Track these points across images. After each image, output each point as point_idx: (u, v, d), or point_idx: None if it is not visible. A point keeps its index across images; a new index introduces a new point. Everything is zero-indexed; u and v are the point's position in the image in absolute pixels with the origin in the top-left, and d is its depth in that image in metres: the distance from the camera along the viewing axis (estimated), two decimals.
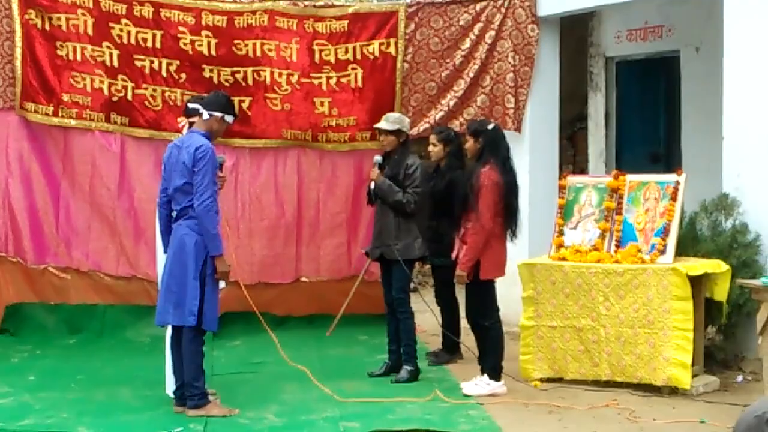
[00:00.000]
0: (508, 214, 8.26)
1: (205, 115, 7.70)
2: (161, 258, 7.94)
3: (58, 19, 10.15)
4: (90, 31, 10.23)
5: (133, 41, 10.34)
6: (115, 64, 10.32)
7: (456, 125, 10.45)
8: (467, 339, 9.51)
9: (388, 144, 9.01)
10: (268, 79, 10.67)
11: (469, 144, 8.42)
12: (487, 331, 8.40)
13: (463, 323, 9.62)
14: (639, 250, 8.53)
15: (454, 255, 8.47)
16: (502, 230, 8.28)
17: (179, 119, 8.34)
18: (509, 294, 9.15)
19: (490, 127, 8.46)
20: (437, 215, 9.07)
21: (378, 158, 9.04)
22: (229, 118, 7.82)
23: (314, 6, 10.88)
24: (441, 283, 9.60)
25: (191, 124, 7.88)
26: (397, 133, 8.96)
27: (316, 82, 10.80)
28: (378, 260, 9.14)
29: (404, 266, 8.79)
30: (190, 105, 7.99)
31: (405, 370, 8.82)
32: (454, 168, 9.20)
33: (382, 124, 9.02)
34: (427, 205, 9.04)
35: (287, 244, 10.84)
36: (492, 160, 8.23)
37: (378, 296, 9.59)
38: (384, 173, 8.93)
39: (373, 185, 9.00)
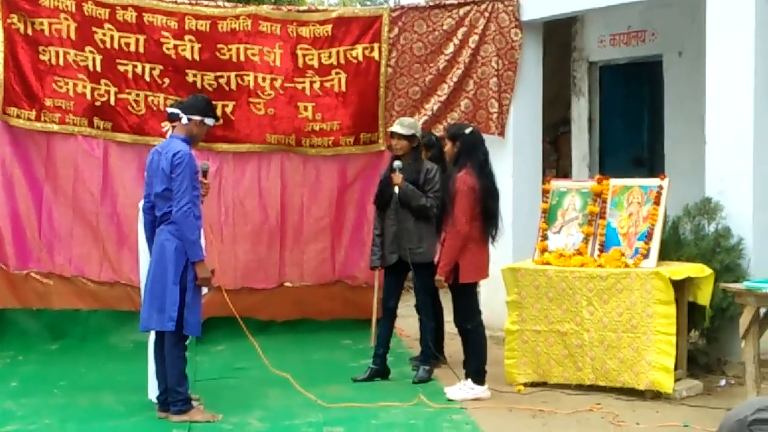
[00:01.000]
0: (486, 218, 8.27)
1: (184, 119, 7.68)
2: (144, 263, 7.92)
3: (41, 23, 10.11)
4: (73, 35, 10.20)
5: (116, 46, 10.31)
6: (98, 68, 10.28)
7: (440, 130, 10.44)
8: (452, 344, 9.52)
9: (401, 148, 9.00)
10: (251, 84, 10.65)
11: (448, 148, 8.44)
12: (468, 335, 8.42)
13: (447, 327, 9.63)
14: (622, 255, 8.54)
15: (435, 259, 8.48)
16: (481, 234, 8.29)
17: (163, 124, 8.33)
18: (493, 298, 9.16)
19: (467, 131, 8.45)
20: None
21: (398, 163, 8.97)
22: (209, 121, 7.81)
23: (297, 11, 10.90)
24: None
25: (174, 128, 7.86)
26: (411, 138, 8.97)
27: (299, 86, 10.78)
28: (391, 266, 9.09)
29: (424, 270, 8.78)
30: (170, 110, 7.97)
31: (425, 369, 8.94)
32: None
33: (397, 128, 9.03)
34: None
35: (271, 249, 10.81)
36: (468, 164, 8.24)
37: (362, 302, 9.60)
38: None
39: (397, 190, 8.92)
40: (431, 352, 9.02)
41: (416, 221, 8.91)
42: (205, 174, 7.96)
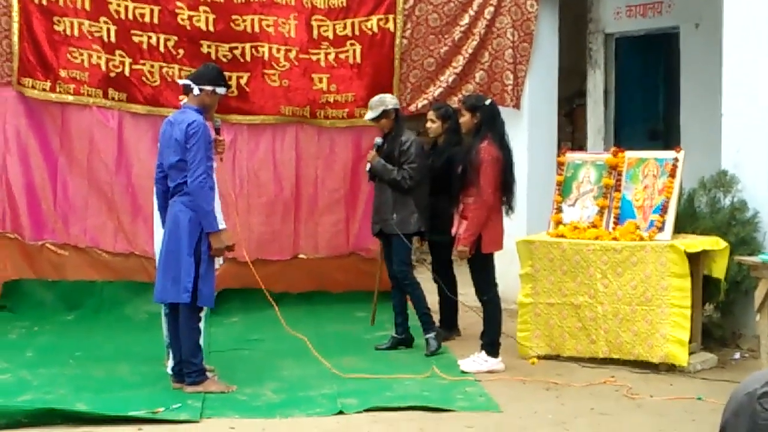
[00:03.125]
0: (506, 190, 8.28)
1: (196, 90, 7.67)
2: (158, 235, 7.93)
3: None
4: (87, 6, 10.19)
5: (130, 16, 10.29)
6: (113, 39, 10.27)
7: (454, 101, 10.41)
8: (465, 317, 9.52)
9: (384, 127, 9.11)
10: (266, 55, 10.62)
11: (466, 119, 8.42)
12: (485, 306, 8.43)
13: (461, 299, 9.64)
14: (637, 227, 8.52)
15: (453, 231, 8.47)
16: (501, 205, 8.31)
17: (181, 97, 8.28)
18: (507, 271, 9.15)
19: (487, 102, 8.49)
20: (435, 192, 9.07)
21: (378, 140, 9.13)
22: (220, 90, 7.78)
23: None
24: (439, 260, 9.60)
25: (187, 99, 7.85)
26: (384, 115, 8.98)
27: (314, 58, 10.76)
28: (378, 236, 9.16)
29: (403, 238, 8.85)
30: (182, 82, 7.95)
31: (431, 339, 8.87)
32: (453, 144, 9.20)
33: (369, 115, 9.17)
34: (426, 181, 9.04)
35: (285, 221, 10.81)
36: (489, 136, 8.25)
37: (376, 274, 9.61)
38: (384, 152, 8.95)
39: (368, 167, 9.05)
40: (429, 318, 8.99)
41: (392, 192, 8.97)
42: (218, 131, 7.98)
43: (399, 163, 8.91)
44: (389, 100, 9.15)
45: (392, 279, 9.15)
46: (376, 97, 9.27)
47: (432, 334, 8.90)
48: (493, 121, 8.35)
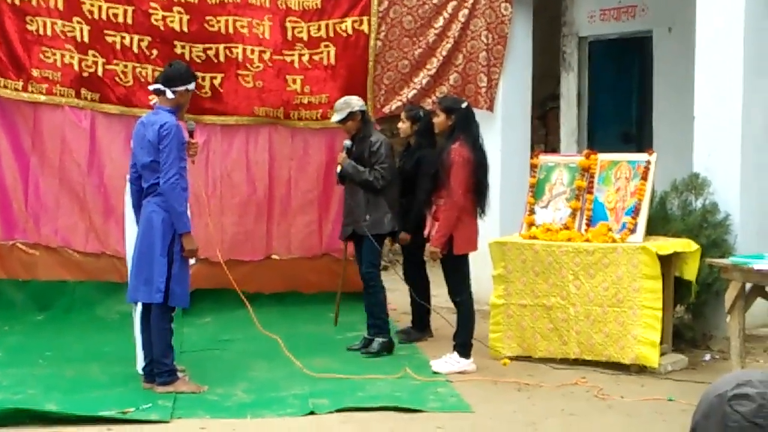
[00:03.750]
0: (478, 192, 8.30)
1: (169, 93, 7.65)
2: (130, 235, 7.90)
3: None
4: (60, 6, 10.14)
5: (104, 17, 10.24)
6: (86, 39, 10.22)
7: (428, 103, 10.42)
8: (437, 318, 9.53)
9: (350, 129, 9.08)
10: (240, 56, 10.60)
11: (440, 119, 8.43)
12: (458, 307, 8.44)
13: (433, 301, 9.65)
14: (609, 229, 8.55)
15: (426, 232, 8.51)
16: (473, 206, 8.33)
17: (151, 97, 8.25)
18: (480, 272, 9.15)
19: (463, 105, 8.51)
20: (406, 193, 9.07)
21: (347, 143, 9.09)
22: (192, 86, 7.80)
23: None
24: (411, 261, 9.60)
25: (159, 100, 7.82)
26: (350, 117, 8.96)
27: (288, 59, 10.74)
28: (350, 238, 9.15)
29: (372, 240, 8.83)
30: (153, 87, 7.91)
31: (377, 342, 8.85)
32: (422, 147, 9.23)
33: (335, 117, 9.13)
34: (396, 181, 9.04)
35: (258, 222, 10.79)
36: (462, 138, 8.27)
37: (349, 275, 9.59)
38: (353, 154, 8.94)
39: (339, 169, 9.02)
40: (383, 323, 8.98)
41: (364, 194, 8.94)
42: (191, 134, 7.96)
43: (370, 164, 8.89)
44: (355, 102, 9.13)
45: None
46: (342, 100, 9.24)
47: (381, 339, 8.89)
48: (467, 124, 8.37)
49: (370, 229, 8.87)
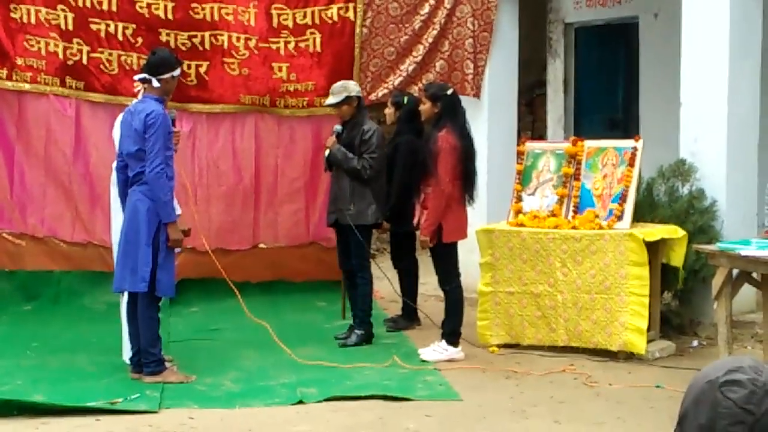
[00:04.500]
0: (466, 179, 8.28)
1: (155, 82, 7.62)
2: (117, 224, 7.87)
3: None
4: None
5: (88, 4, 10.17)
6: (70, 27, 10.16)
7: (414, 90, 10.39)
8: (425, 306, 9.53)
9: (344, 114, 8.98)
10: (225, 44, 10.55)
11: (426, 107, 8.41)
12: (447, 295, 8.43)
13: (421, 289, 9.65)
14: (596, 216, 8.55)
15: (415, 221, 8.49)
16: (461, 194, 8.32)
17: (135, 85, 8.20)
18: (467, 260, 9.15)
19: (449, 92, 8.49)
20: (389, 180, 9.05)
21: (338, 127, 9.02)
22: (177, 72, 7.78)
23: None
24: (399, 250, 9.59)
25: (145, 88, 7.79)
26: (346, 101, 8.90)
27: (274, 46, 10.69)
28: (333, 226, 9.11)
29: (357, 234, 8.75)
30: (139, 77, 7.87)
31: (355, 334, 8.85)
32: (403, 133, 9.22)
33: (330, 100, 9.02)
34: (384, 172, 9.00)
35: (245, 210, 10.75)
36: (449, 125, 8.25)
37: (336, 263, 9.55)
38: (342, 140, 8.89)
39: (327, 153, 8.96)
40: (365, 317, 8.93)
41: (351, 182, 8.86)
42: (173, 122, 7.92)
43: (359, 152, 8.82)
44: (352, 87, 9.08)
45: (344, 271, 9.14)
46: (339, 83, 9.19)
47: (360, 331, 8.86)
48: (453, 111, 8.35)
49: (354, 220, 8.79)
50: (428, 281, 9.55)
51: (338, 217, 8.92)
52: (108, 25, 10.25)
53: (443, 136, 8.18)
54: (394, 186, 8.99)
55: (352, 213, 8.79)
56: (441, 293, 8.70)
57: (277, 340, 8.38)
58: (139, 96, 7.91)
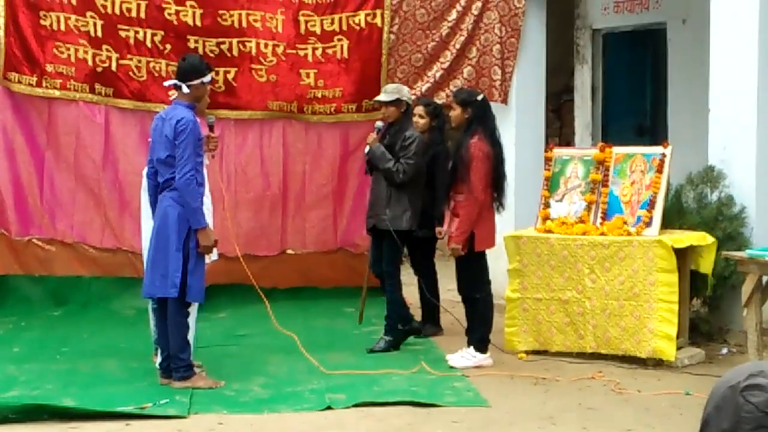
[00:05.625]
0: (497, 186, 8.27)
1: (185, 88, 7.65)
2: (146, 230, 7.91)
3: None
4: (74, 0, 10.14)
5: (117, 11, 10.24)
6: (99, 34, 10.23)
7: (442, 97, 10.41)
8: (452, 312, 9.51)
9: (390, 115, 8.96)
10: (253, 50, 10.60)
11: (456, 113, 8.38)
12: (477, 303, 8.40)
13: (447, 296, 9.63)
14: (625, 223, 8.53)
15: (444, 228, 8.45)
16: (492, 201, 8.29)
17: (170, 93, 8.22)
18: (495, 266, 9.14)
19: (479, 98, 8.46)
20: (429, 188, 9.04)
21: (379, 124, 9.01)
22: (207, 78, 7.80)
23: None
24: (422, 255, 9.57)
25: (177, 95, 7.83)
26: (396, 103, 8.91)
27: (301, 53, 10.73)
28: (371, 231, 9.11)
29: (395, 237, 8.75)
30: (169, 83, 7.92)
31: (383, 340, 8.83)
32: (437, 143, 9.20)
33: (381, 97, 9.02)
34: (422, 180, 8.94)
35: (273, 216, 10.79)
36: (480, 131, 8.23)
37: (364, 269, 9.54)
38: (383, 142, 8.89)
39: (367, 149, 8.97)
40: (394, 324, 8.92)
41: (387, 187, 8.85)
42: (212, 128, 7.98)
43: (397, 157, 8.83)
44: (406, 92, 9.11)
45: (377, 276, 9.14)
46: (394, 84, 9.30)
47: (388, 337, 8.85)
48: (484, 117, 8.33)
49: (392, 224, 8.76)
50: (453, 287, 9.53)
51: (376, 222, 8.92)
52: (137, 32, 10.31)
53: (476, 143, 8.16)
54: (440, 194, 8.85)
55: (388, 218, 8.79)
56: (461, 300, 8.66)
57: (303, 350, 8.38)
58: (172, 103, 7.95)
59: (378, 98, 9.12)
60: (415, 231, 9.04)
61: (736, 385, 2.28)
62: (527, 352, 8.66)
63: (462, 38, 10.77)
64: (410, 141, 8.80)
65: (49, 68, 10.15)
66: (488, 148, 8.18)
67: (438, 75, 10.78)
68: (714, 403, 2.30)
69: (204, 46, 10.42)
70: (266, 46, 10.63)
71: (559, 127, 14.54)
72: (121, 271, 10.31)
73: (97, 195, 10.36)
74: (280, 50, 10.66)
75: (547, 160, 9.27)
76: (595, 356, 8.43)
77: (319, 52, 10.75)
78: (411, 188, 8.82)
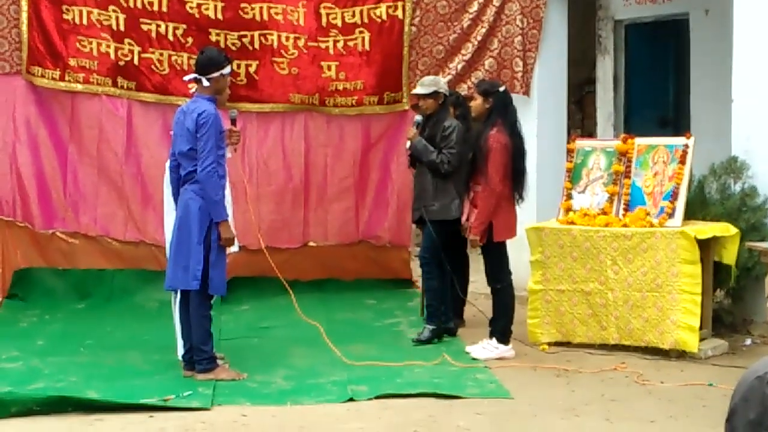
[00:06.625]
0: (516, 177, 8.27)
1: (205, 82, 7.67)
2: (169, 223, 7.94)
3: None
4: None
5: (139, 5, 10.27)
6: (122, 28, 10.26)
7: (464, 89, 10.39)
8: (475, 304, 9.50)
9: (428, 107, 8.98)
10: (275, 43, 10.60)
11: (477, 103, 8.39)
12: (498, 294, 8.42)
13: (471, 287, 9.63)
14: (647, 214, 8.50)
15: (464, 219, 8.47)
16: (511, 193, 8.29)
17: (190, 85, 8.24)
18: (517, 258, 9.13)
19: (501, 89, 8.46)
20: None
21: (418, 118, 9.06)
22: (226, 71, 7.80)
23: None
24: (450, 245, 9.54)
25: (197, 88, 7.84)
26: (434, 95, 8.93)
27: (323, 45, 10.73)
28: (418, 222, 9.16)
29: (430, 227, 8.77)
30: (189, 77, 7.93)
31: (426, 329, 8.83)
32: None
33: (418, 89, 9.05)
34: (465, 168, 8.93)
35: (295, 209, 10.80)
36: (500, 122, 8.24)
37: (386, 262, 9.57)
38: (423, 135, 8.92)
39: (408, 144, 9.00)
40: (434, 311, 8.93)
41: (432, 178, 8.88)
42: (234, 122, 8.00)
43: (439, 148, 8.83)
44: (443, 84, 9.13)
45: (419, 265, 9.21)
46: (431, 77, 9.33)
47: (431, 326, 8.85)
48: (504, 108, 8.33)
49: (437, 215, 8.78)
50: (477, 279, 9.53)
51: (423, 213, 8.93)
52: (159, 26, 10.33)
53: (494, 135, 8.17)
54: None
55: (436, 209, 8.82)
56: (489, 291, 8.67)
57: (327, 340, 8.39)
58: (193, 96, 7.97)
59: (415, 91, 9.15)
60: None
61: (763, 376, 2.27)
62: (550, 344, 8.65)
63: (483, 30, 10.75)
64: (450, 131, 8.83)
65: (72, 62, 10.18)
66: (507, 140, 8.18)
67: (459, 67, 10.77)
68: (741, 393, 2.30)
69: (225, 40, 10.44)
70: (288, 38, 10.63)
71: (581, 119, 14.51)
72: (144, 264, 10.36)
73: (120, 188, 10.40)
74: (301, 43, 10.67)
75: (570, 151, 9.25)
76: (618, 348, 8.41)
77: (340, 45, 10.75)
78: (455, 177, 8.82)
